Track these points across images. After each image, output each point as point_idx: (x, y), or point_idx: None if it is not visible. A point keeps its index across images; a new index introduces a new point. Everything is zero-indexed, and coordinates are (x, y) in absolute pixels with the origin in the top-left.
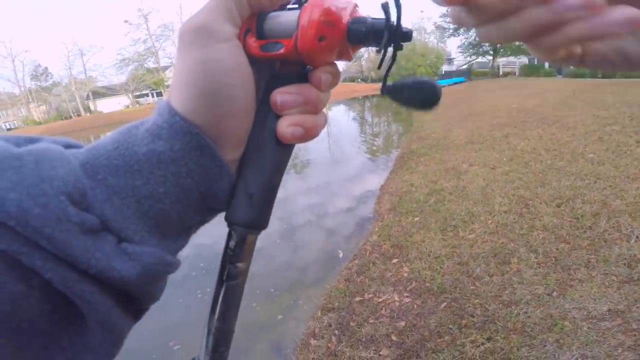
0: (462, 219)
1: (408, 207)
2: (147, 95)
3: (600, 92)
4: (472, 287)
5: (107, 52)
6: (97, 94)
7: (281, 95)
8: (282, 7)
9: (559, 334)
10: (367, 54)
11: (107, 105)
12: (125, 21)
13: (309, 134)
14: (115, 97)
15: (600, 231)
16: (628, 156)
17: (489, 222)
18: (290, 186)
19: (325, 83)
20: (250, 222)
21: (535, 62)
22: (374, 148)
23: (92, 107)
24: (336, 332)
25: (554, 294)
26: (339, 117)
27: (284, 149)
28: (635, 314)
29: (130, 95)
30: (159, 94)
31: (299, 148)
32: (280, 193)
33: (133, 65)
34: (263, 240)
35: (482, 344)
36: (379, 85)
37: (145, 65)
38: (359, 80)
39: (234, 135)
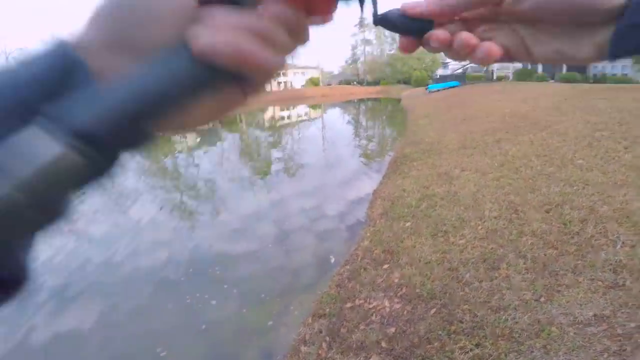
0: (452, 224)
1: (400, 212)
2: None
3: (592, 98)
4: (461, 293)
5: None
6: None
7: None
8: None
9: (546, 339)
10: (362, 57)
11: None
12: None
13: (239, 55)
14: None
15: (587, 237)
16: (616, 162)
17: (479, 227)
18: (283, 189)
19: (276, 14)
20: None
21: (529, 67)
22: (368, 152)
23: None
24: (327, 338)
25: (542, 299)
26: (334, 120)
27: (193, 65)
28: (620, 319)
29: None
30: None
31: (292, 151)
32: (273, 195)
33: None
34: (255, 243)
35: (471, 350)
36: (375, 89)
37: None
38: (355, 83)
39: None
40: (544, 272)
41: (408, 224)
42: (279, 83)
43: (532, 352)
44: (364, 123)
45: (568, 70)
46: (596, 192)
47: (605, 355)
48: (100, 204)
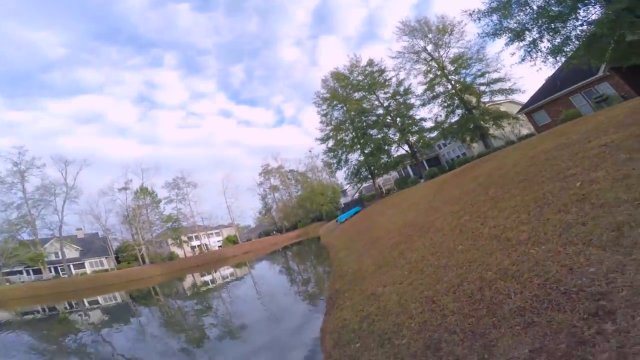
0: (392, 330)
1: (348, 338)
2: (20, 272)
3: (450, 188)
4: None
5: None
6: None
7: None
8: None
9: None
10: (274, 205)
11: None
12: None
13: None
14: None
15: (489, 299)
16: (481, 238)
17: (412, 324)
18: (229, 352)
19: None
20: None
21: (403, 174)
22: (310, 293)
23: None
24: None
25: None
26: (264, 273)
27: None
28: None
29: None
30: (37, 271)
31: (228, 313)
32: None
33: (2, 237)
34: None
35: None
36: (295, 233)
37: (19, 237)
38: (274, 232)
39: None
40: (474, 337)
41: (358, 345)
42: (192, 247)
43: None
44: (295, 268)
45: (430, 166)
46: (478, 265)
47: None
48: None
